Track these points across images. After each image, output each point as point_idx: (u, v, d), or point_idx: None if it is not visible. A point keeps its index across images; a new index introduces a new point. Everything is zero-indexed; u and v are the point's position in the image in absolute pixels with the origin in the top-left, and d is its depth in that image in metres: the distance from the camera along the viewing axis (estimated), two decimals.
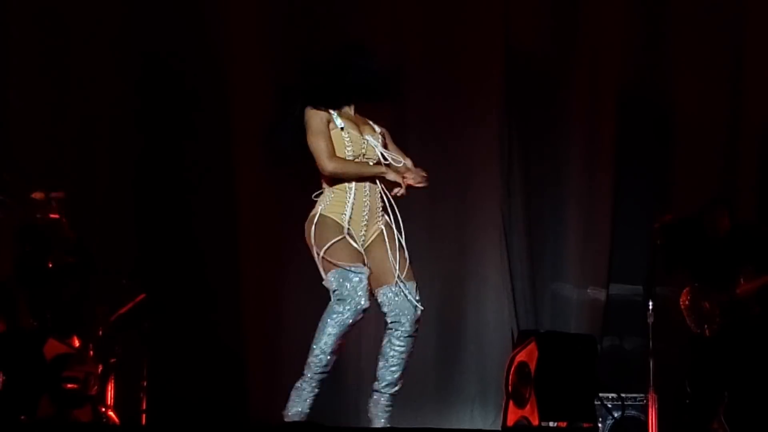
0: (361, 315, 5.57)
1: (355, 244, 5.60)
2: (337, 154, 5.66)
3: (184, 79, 8.45)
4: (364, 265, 5.60)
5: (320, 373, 5.62)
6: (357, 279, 5.55)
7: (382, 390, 5.66)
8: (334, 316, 5.55)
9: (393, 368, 5.64)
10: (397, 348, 5.63)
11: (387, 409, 5.66)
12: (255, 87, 8.34)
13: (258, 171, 8.21)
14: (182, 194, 8.40)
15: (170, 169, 8.42)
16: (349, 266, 5.55)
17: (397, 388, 5.67)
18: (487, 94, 8.73)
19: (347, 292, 5.54)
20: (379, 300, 5.65)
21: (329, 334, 5.56)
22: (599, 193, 8.67)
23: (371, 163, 5.72)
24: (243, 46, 8.60)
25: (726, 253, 7.50)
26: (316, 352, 5.57)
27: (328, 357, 5.58)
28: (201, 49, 8.52)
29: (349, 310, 5.54)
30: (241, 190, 8.46)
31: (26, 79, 8.33)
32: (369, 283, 5.62)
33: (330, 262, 5.58)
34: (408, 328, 5.62)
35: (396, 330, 5.63)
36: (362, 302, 5.55)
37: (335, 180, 5.67)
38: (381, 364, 5.66)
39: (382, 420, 5.68)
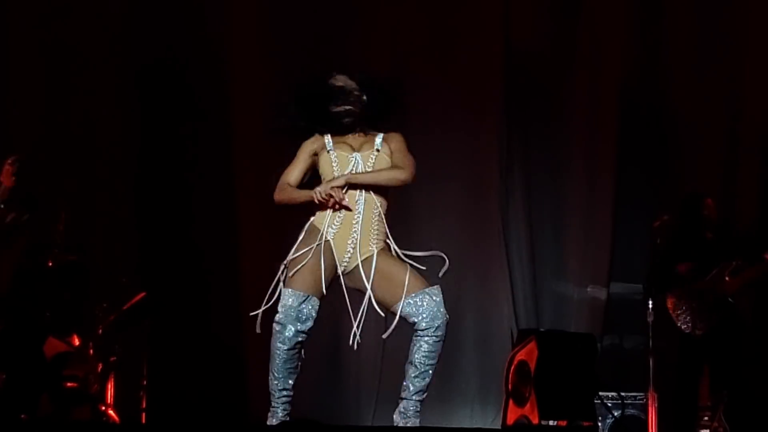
0: (304, 336, 5.59)
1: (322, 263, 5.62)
2: (326, 174, 5.72)
3: (184, 77, 8.47)
4: (320, 296, 5.62)
5: (283, 396, 5.63)
6: (307, 308, 5.58)
7: (411, 398, 5.65)
8: (278, 336, 5.60)
9: (423, 374, 5.63)
10: (426, 353, 5.62)
11: (416, 415, 5.65)
12: (256, 87, 8.35)
13: (258, 170, 8.21)
14: (183, 193, 8.41)
15: (171, 168, 8.43)
16: (301, 292, 5.59)
17: (424, 395, 5.65)
18: (487, 92, 8.71)
19: (293, 317, 5.57)
20: (405, 312, 5.64)
21: (277, 357, 5.60)
22: (600, 191, 8.66)
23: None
24: (243, 47, 8.60)
25: (711, 250, 7.50)
26: (271, 377, 5.63)
27: (283, 380, 5.60)
28: (202, 50, 8.53)
29: (290, 330, 5.57)
30: (241, 190, 8.46)
31: (27, 77, 8.34)
32: (384, 303, 5.65)
33: (289, 277, 5.63)
34: (440, 334, 5.62)
35: (427, 336, 5.63)
36: (302, 326, 5.57)
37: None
38: (411, 371, 5.64)
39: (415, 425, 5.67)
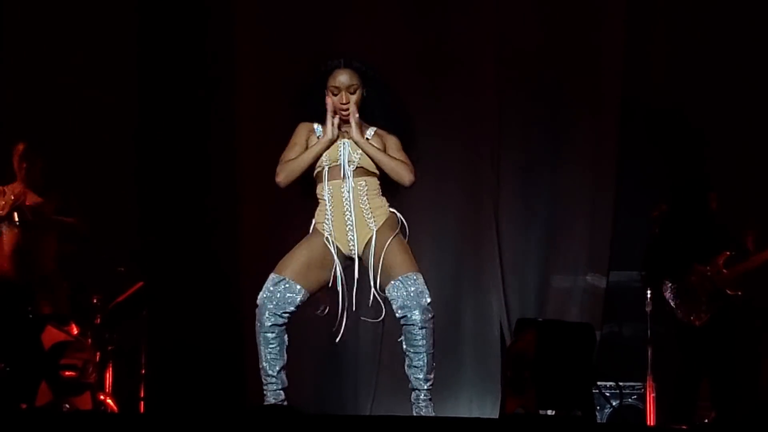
0: (279, 318, 5.61)
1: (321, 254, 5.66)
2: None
3: (188, 65, 8.48)
4: (305, 284, 5.64)
5: (270, 383, 5.64)
6: (283, 291, 5.60)
7: (416, 387, 5.66)
8: (256, 320, 5.66)
9: (418, 363, 5.62)
10: (413, 342, 5.62)
11: (427, 403, 5.65)
12: (259, 77, 8.36)
13: (260, 160, 8.22)
14: (183, 183, 8.41)
15: (171, 158, 8.43)
16: (285, 278, 5.61)
17: (429, 383, 5.65)
18: (483, 78, 8.68)
19: (267, 300, 5.62)
20: (388, 297, 5.67)
21: (258, 341, 5.66)
22: (601, 179, 8.63)
23: (347, 165, 5.72)
24: (248, 41, 8.59)
25: (708, 240, 7.49)
26: (260, 362, 5.66)
27: (267, 365, 5.62)
28: (208, 46, 8.53)
29: (263, 312, 5.62)
30: (242, 179, 8.46)
31: (28, 72, 8.36)
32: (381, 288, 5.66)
33: (280, 264, 5.67)
34: (416, 320, 5.61)
35: (406, 324, 5.64)
36: (274, 308, 5.60)
37: (319, 190, 5.74)
38: (406, 363, 5.66)
39: (429, 415, 5.67)
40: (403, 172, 5.71)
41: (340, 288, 5.71)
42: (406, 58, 8.47)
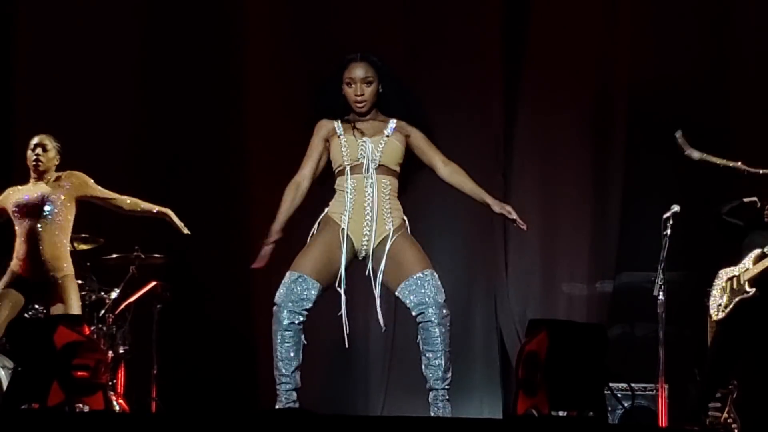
0: (297, 317, 5.64)
1: (334, 250, 5.69)
2: (336, 160, 5.81)
3: (199, 59, 8.51)
4: (322, 280, 5.66)
5: (285, 383, 5.63)
6: (301, 288, 5.61)
7: (434, 387, 5.67)
8: (274, 317, 5.67)
9: (435, 362, 5.65)
10: (430, 341, 5.63)
11: (445, 403, 5.67)
12: (270, 67, 8.39)
13: (271, 160, 8.26)
14: (192, 184, 8.42)
15: (183, 155, 8.45)
16: (303, 275, 5.62)
17: (447, 381, 5.68)
18: (488, 82, 8.68)
19: (286, 297, 5.62)
20: (401, 298, 5.67)
21: (274, 339, 5.67)
22: (608, 179, 8.62)
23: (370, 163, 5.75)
24: (258, 42, 8.61)
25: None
26: (274, 361, 5.67)
27: (282, 365, 5.64)
28: (217, 46, 8.54)
29: (282, 310, 5.62)
30: (252, 181, 8.48)
31: (40, 69, 8.38)
32: (389, 285, 5.64)
33: (296, 261, 5.69)
34: (433, 317, 5.62)
35: (422, 321, 5.64)
36: (293, 306, 5.62)
37: (339, 182, 5.80)
38: (423, 362, 5.68)
39: (447, 414, 5.69)
40: (470, 180, 5.99)
41: (343, 284, 5.73)
42: (413, 57, 8.49)
